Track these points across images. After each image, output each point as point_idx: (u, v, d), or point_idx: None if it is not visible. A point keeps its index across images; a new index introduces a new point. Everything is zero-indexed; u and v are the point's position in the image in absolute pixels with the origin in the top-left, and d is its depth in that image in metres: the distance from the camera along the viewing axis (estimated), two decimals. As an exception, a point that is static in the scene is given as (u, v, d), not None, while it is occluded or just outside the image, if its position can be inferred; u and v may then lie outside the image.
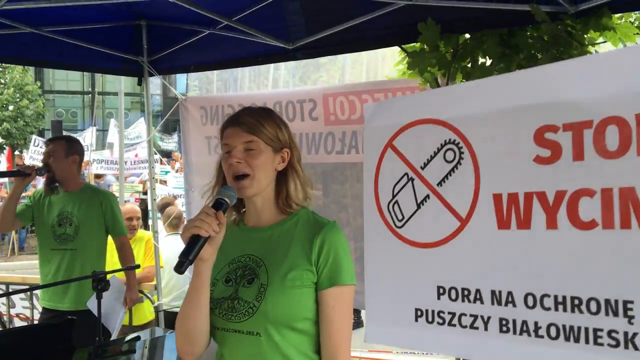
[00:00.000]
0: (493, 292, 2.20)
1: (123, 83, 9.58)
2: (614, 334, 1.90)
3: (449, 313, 2.32)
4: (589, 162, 1.97)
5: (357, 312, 7.29)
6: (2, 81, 19.05)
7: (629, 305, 1.87)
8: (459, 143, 2.32)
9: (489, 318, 2.21)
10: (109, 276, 3.95)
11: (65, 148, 3.69)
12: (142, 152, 11.56)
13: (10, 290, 5.18)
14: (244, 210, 1.73)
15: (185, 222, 4.68)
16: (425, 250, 2.41)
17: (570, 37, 2.63)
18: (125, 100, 15.85)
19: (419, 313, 2.42)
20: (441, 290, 2.35)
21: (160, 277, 4.65)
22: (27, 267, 10.64)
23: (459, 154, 2.31)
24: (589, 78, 2.01)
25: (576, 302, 1.99)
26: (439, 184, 2.38)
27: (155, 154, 5.47)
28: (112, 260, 4.11)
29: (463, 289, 2.29)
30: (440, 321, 2.35)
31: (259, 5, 3.40)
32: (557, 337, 2.03)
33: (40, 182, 4.56)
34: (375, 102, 3.39)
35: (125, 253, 3.88)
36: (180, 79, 23.86)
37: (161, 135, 18.69)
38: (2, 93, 18.52)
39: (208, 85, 22.52)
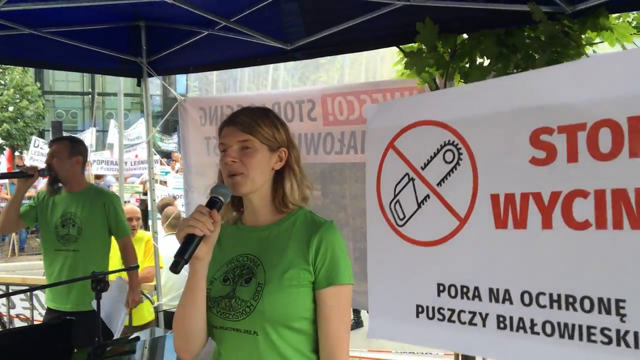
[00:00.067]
0: (491, 290, 2.26)
1: (123, 84, 9.59)
2: (606, 332, 1.95)
3: (449, 310, 2.39)
4: (583, 163, 2.02)
5: (356, 312, 7.30)
6: (2, 82, 19.06)
7: (621, 304, 1.92)
8: (457, 144, 2.37)
9: (487, 315, 2.27)
10: (113, 276, 3.98)
11: (68, 148, 3.69)
12: (142, 152, 11.56)
13: (11, 291, 5.19)
14: (243, 209, 1.74)
15: (183, 223, 4.68)
16: (425, 249, 2.48)
17: (568, 37, 2.64)
18: (125, 101, 15.86)
19: (419, 309, 2.49)
20: (441, 288, 2.42)
21: (159, 277, 4.65)
22: (27, 268, 10.64)
23: (458, 155, 2.37)
24: (583, 81, 2.06)
25: (570, 300, 2.04)
26: (439, 184, 2.44)
27: (155, 154, 5.48)
28: (117, 261, 4.12)
29: (462, 287, 2.35)
30: (440, 317, 2.42)
31: (257, 6, 3.41)
32: (552, 334, 2.08)
33: (40, 184, 4.57)
34: (374, 102, 3.41)
35: (128, 254, 3.87)
36: (180, 79, 23.89)
37: (161, 135, 18.69)
38: (2, 94, 18.53)
39: (208, 86, 22.52)
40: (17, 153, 16.06)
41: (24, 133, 18.48)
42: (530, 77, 2.25)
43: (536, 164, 2.13)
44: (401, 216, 2.58)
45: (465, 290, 2.34)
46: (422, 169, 2.50)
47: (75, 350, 2.93)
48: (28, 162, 12.27)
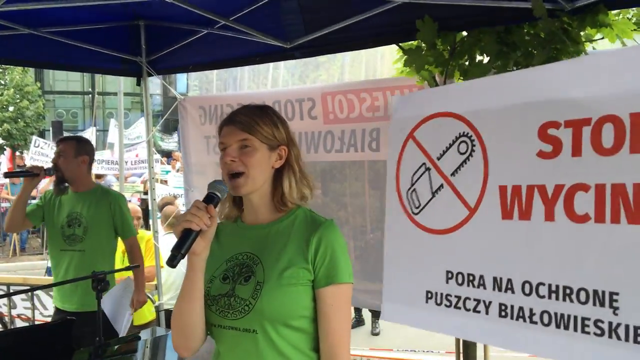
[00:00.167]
0: (495, 279, 2.33)
1: (123, 83, 9.59)
2: (599, 324, 2.00)
3: (455, 296, 2.47)
4: (586, 158, 2.05)
5: (358, 311, 7.30)
6: (2, 82, 19.06)
7: (615, 297, 1.96)
8: (471, 136, 2.44)
9: (490, 303, 2.34)
10: (118, 275, 3.98)
11: (74, 148, 3.70)
12: (142, 152, 11.54)
13: (12, 291, 5.20)
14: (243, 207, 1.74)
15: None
16: (437, 237, 2.57)
17: (567, 34, 2.64)
18: (126, 101, 15.88)
19: (429, 295, 2.58)
20: (449, 275, 2.50)
21: (160, 276, 4.66)
22: (28, 268, 10.67)
23: (471, 146, 2.44)
24: (589, 77, 2.09)
25: (568, 291, 2.09)
26: (453, 174, 2.52)
27: (155, 153, 5.48)
28: (119, 261, 4.12)
29: (468, 274, 2.43)
30: (448, 304, 2.50)
31: (256, 4, 3.41)
32: (549, 324, 2.14)
33: (40, 185, 4.56)
34: (374, 101, 3.43)
35: (134, 255, 3.87)
36: (181, 79, 23.86)
37: (162, 135, 18.72)
38: (2, 94, 18.53)
39: (208, 85, 22.50)
40: (17, 153, 16.06)
41: (24, 133, 18.47)
42: (541, 72, 2.28)
43: (543, 157, 2.17)
44: (417, 204, 2.67)
45: (471, 278, 2.41)
46: (438, 159, 2.58)
47: (77, 350, 2.93)
48: (29, 162, 12.26)
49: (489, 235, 2.36)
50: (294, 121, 3.75)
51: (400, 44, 3.26)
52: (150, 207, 4.90)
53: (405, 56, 3.08)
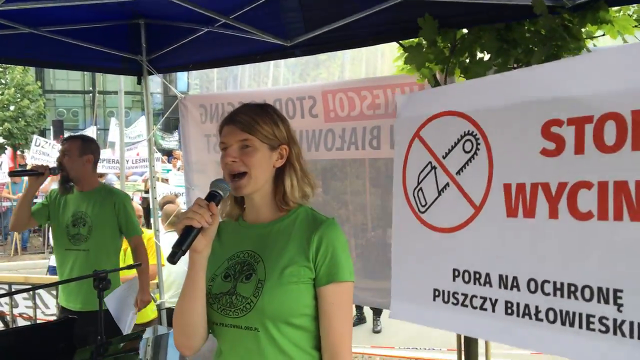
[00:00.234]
0: (500, 277, 2.35)
1: (123, 82, 9.58)
2: (604, 321, 2.01)
3: (462, 294, 2.49)
4: (589, 155, 2.06)
5: (359, 309, 7.31)
6: (3, 81, 19.05)
7: (619, 294, 1.97)
8: (476, 134, 2.46)
9: (496, 300, 2.36)
10: (124, 274, 3.98)
11: (79, 147, 3.69)
12: (143, 150, 11.54)
13: (13, 290, 5.21)
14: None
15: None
16: (443, 235, 2.59)
17: (568, 31, 2.63)
18: (126, 99, 15.87)
19: (436, 293, 2.60)
20: (456, 273, 2.52)
21: (162, 275, 4.66)
22: (29, 267, 10.68)
23: (476, 145, 2.46)
24: (591, 74, 2.09)
25: (572, 288, 2.10)
26: (458, 172, 2.54)
27: (156, 152, 5.48)
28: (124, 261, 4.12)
29: (475, 272, 2.45)
30: (455, 301, 2.52)
31: (256, 2, 3.41)
32: (554, 321, 2.15)
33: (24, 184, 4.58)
34: (375, 98, 3.42)
35: (139, 254, 3.85)
36: (181, 77, 23.86)
37: (162, 133, 18.71)
38: (3, 93, 18.52)
39: (208, 84, 22.50)
40: (18, 152, 16.07)
41: (25, 132, 18.46)
42: (543, 70, 2.29)
43: (546, 155, 2.19)
44: (423, 203, 2.70)
45: (477, 276, 2.43)
46: (444, 157, 2.60)
47: (79, 349, 2.93)
48: (29, 161, 12.28)
49: (494, 233, 2.37)
50: (294, 119, 3.75)
51: (400, 41, 3.26)
52: (151, 206, 4.91)
53: (406, 54, 3.08)
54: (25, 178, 3.72)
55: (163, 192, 8.56)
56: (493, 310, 2.36)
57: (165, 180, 11.19)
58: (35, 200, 4.08)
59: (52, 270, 7.04)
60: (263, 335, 1.54)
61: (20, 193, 12.19)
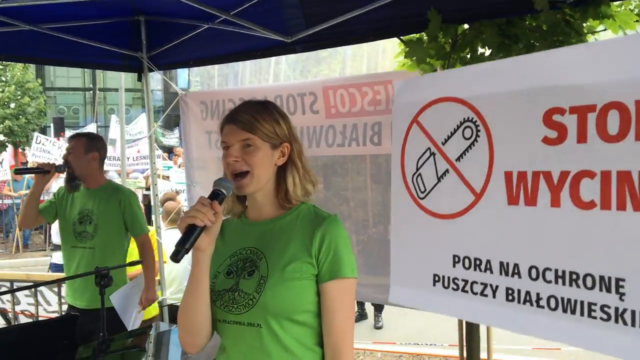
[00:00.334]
0: (501, 263, 2.35)
1: (123, 79, 9.57)
2: (606, 309, 2.02)
3: (462, 280, 2.50)
4: (591, 144, 2.05)
5: (361, 305, 7.31)
6: (3, 79, 19.03)
7: (621, 283, 1.98)
8: (476, 121, 2.44)
9: (497, 287, 2.37)
10: (130, 270, 3.98)
11: (85, 145, 3.69)
12: (144, 147, 11.54)
13: (15, 287, 5.22)
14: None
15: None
16: (443, 221, 2.59)
17: (569, 26, 2.63)
18: (127, 96, 15.85)
19: (436, 278, 2.61)
20: (456, 259, 2.53)
21: (163, 272, 4.66)
22: (31, 265, 10.70)
23: (476, 131, 2.44)
24: (595, 63, 2.07)
25: (574, 276, 2.11)
26: (458, 159, 2.53)
27: (157, 149, 5.48)
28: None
29: (475, 259, 2.45)
30: (455, 287, 2.53)
31: (256, -2, 3.40)
32: (555, 309, 2.16)
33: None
34: (376, 94, 3.41)
35: (146, 253, 3.84)
36: (182, 74, 23.83)
37: (163, 130, 18.71)
38: (3, 91, 18.50)
39: (209, 81, 22.49)
40: (19, 150, 16.07)
41: (25, 129, 18.45)
42: (546, 57, 2.27)
43: (548, 143, 2.17)
44: (422, 189, 2.68)
45: (478, 262, 2.43)
46: (443, 144, 2.58)
47: (81, 346, 2.94)
48: (30, 159, 12.28)
49: (495, 221, 2.37)
50: (295, 115, 3.74)
51: (401, 37, 3.25)
52: (152, 203, 4.91)
53: (407, 49, 3.07)
54: (27, 176, 3.71)
55: (164, 189, 8.55)
56: (494, 297, 2.36)
57: (166, 178, 11.18)
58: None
59: (53, 267, 7.04)
60: (265, 331, 1.55)
61: (21, 190, 12.22)
